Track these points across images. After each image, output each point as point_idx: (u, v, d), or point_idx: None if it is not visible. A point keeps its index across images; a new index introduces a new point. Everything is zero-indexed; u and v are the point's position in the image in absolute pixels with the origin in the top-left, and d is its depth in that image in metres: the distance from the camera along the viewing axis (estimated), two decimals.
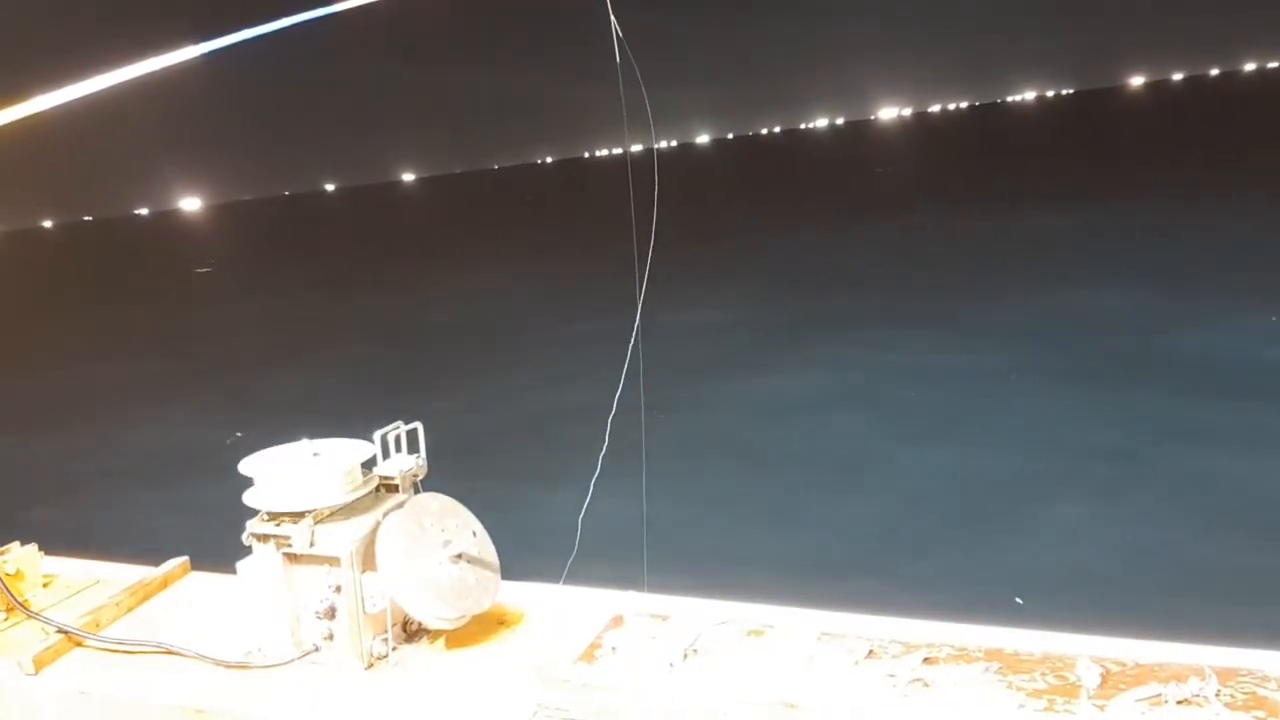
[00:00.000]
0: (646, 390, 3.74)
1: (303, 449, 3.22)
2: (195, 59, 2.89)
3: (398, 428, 3.30)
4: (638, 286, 3.57)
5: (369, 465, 3.27)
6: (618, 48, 3.43)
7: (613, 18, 3.35)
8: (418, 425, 3.35)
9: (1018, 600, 8.23)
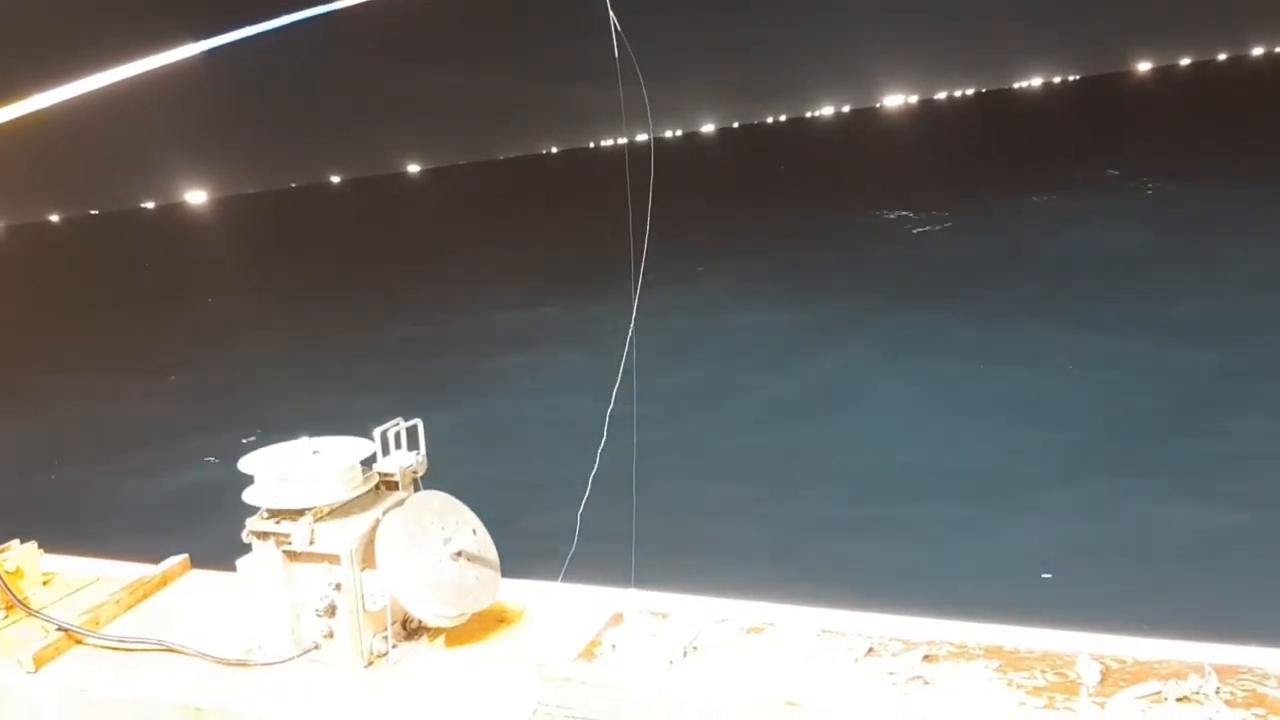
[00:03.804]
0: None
1: (302, 446, 3.21)
2: (195, 56, 2.87)
3: (397, 424, 3.29)
4: (634, 284, 3.54)
5: (369, 462, 3.26)
6: (616, 45, 3.42)
7: (612, 15, 3.34)
8: (417, 422, 3.34)
9: None
